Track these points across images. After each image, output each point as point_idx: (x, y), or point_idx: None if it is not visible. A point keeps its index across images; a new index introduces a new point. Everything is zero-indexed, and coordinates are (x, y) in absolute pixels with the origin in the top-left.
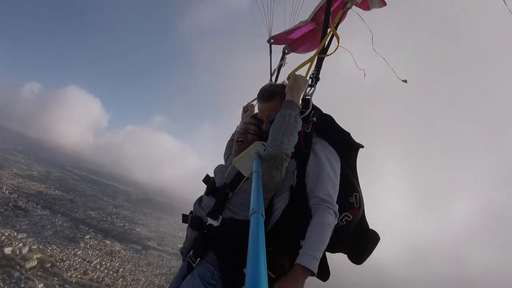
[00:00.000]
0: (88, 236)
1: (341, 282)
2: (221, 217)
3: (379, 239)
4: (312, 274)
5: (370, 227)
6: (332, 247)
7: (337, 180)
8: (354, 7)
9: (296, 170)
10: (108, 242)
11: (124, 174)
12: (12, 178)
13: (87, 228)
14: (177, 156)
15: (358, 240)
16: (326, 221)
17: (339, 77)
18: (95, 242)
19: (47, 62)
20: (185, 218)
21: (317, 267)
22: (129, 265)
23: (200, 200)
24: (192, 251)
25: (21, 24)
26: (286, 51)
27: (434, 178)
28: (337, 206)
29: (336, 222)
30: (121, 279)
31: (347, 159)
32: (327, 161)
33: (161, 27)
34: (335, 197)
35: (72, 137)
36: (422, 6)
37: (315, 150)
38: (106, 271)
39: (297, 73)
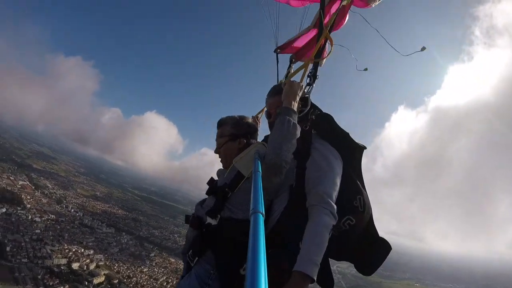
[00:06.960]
0: (153, 254)
1: None
2: (219, 216)
3: (390, 249)
4: (312, 281)
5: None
6: (337, 254)
7: (337, 179)
8: (353, 7)
9: (295, 169)
10: (173, 260)
11: (185, 195)
12: (77, 197)
13: (152, 246)
14: None
15: (366, 248)
16: (322, 222)
17: None
18: (160, 259)
19: (127, 88)
20: (187, 219)
21: (316, 272)
22: None
23: (203, 201)
24: (191, 250)
25: (105, 52)
26: (293, 60)
27: None
28: (334, 206)
29: (333, 222)
30: None
31: (350, 160)
32: (326, 160)
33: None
34: (334, 196)
35: (149, 161)
36: None
37: (315, 149)
38: None
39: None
